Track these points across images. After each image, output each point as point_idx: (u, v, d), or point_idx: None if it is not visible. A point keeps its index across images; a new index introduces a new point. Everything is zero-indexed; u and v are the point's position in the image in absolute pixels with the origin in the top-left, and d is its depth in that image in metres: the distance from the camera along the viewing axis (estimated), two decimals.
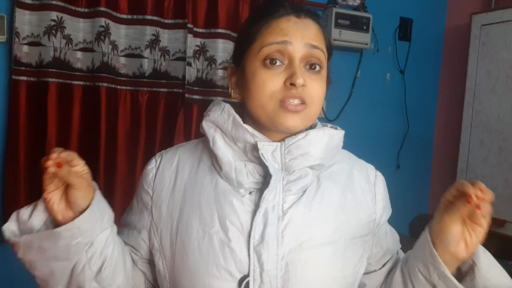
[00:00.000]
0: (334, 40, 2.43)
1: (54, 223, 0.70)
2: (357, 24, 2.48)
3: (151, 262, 0.84)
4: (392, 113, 2.82)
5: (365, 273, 0.85)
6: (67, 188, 0.68)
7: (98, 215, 0.71)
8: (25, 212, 0.70)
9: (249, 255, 0.72)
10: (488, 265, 0.74)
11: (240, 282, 0.72)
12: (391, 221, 0.90)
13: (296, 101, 0.72)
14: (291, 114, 0.72)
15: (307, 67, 0.74)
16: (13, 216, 0.70)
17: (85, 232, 0.68)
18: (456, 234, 0.72)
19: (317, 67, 0.75)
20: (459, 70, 2.74)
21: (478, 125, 2.55)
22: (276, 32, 0.74)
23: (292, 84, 0.71)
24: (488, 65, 2.50)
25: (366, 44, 2.53)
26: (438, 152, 2.99)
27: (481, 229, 0.72)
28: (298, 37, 0.73)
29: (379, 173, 0.87)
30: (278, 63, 0.73)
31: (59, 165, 0.65)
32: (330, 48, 0.81)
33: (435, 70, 2.98)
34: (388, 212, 0.87)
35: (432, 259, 0.74)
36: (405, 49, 2.79)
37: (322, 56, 0.76)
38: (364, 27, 2.50)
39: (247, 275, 0.72)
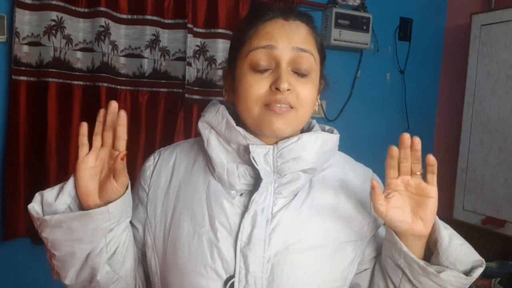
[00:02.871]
0: (334, 40, 2.43)
1: (79, 207, 0.72)
2: (357, 24, 2.48)
3: (142, 259, 0.85)
4: (392, 113, 2.81)
5: (357, 273, 0.84)
6: (103, 171, 0.72)
7: (127, 204, 0.75)
8: (50, 194, 0.72)
9: (235, 257, 0.73)
10: (450, 239, 0.73)
11: (226, 282, 0.73)
12: None
13: (283, 106, 0.72)
14: (277, 117, 0.72)
15: (296, 71, 0.74)
16: (37, 197, 0.72)
17: (113, 217, 0.71)
18: (393, 215, 0.72)
19: (306, 71, 0.74)
20: (459, 70, 2.73)
21: (478, 125, 2.55)
22: (262, 36, 0.74)
23: (277, 89, 0.71)
24: (488, 65, 2.50)
25: (366, 44, 2.53)
26: (438, 152, 2.98)
27: (430, 200, 0.72)
28: (284, 40, 0.73)
29: (376, 177, 0.86)
30: (264, 67, 0.73)
31: (123, 158, 0.70)
32: (323, 51, 0.80)
33: (435, 70, 2.98)
34: None
35: (391, 239, 0.75)
36: (405, 49, 2.79)
37: (311, 59, 0.75)
38: (364, 27, 2.50)
39: (233, 276, 0.73)
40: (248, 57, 0.74)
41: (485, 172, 2.49)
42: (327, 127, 0.84)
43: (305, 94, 0.74)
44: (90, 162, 0.72)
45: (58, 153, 1.88)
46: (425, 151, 0.75)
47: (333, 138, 0.80)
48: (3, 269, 1.89)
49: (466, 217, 2.55)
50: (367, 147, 2.74)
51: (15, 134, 1.81)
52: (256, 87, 0.72)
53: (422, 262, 0.72)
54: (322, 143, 0.77)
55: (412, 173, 0.74)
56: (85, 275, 0.74)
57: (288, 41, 0.73)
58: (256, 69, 0.73)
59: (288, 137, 0.75)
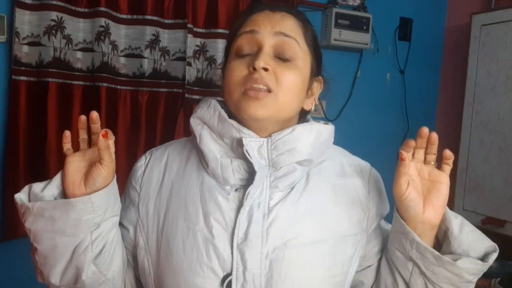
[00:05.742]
0: (334, 40, 2.43)
1: (65, 198, 0.72)
2: (357, 24, 2.48)
3: (133, 262, 0.84)
4: (392, 113, 2.82)
5: (361, 270, 0.83)
6: (91, 165, 0.72)
7: (113, 198, 0.74)
8: (38, 186, 0.73)
9: (232, 253, 0.71)
10: (460, 227, 0.73)
11: (223, 280, 0.71)
12: (391, 220, 0.89)
13: (261, 87, 0.71)
14: (253, 102, 0.71)
15: (279, 56, 0.74)
16: (25, 188, 0.74)
17: (97, 210, 0.70)
18: (411, 195, 0.71)
19: (289, 57, 0.74)
20: (459, 70, 2.73)
21: (478, 125, 2.55)
22: (247, 23, 0.76)
23: (254, 68, 0.71)
24: (488, 65, 2.50)
25: (366, 44, 2.53)
26: (438, 152, 2.98)
27: (442, 185, 0.72)
28: (267, 26, 0.74)
29: (373, 170, 0.86)
30: (247, 52, 0.74)
31: (105, 135, 0.71)
32: (316, 47, 0.79)
33: (435, 70, 2.98)
34: (384, 208, 0.84)
35: (401, 229, 0.73)
36: (405, 49, 2.79)
37: (295, 45, 0.74)
38: (364, 27, 2.50)
39: (230, 273, 0.71)
40: (234, 45, 0.76)
41: (485, 172, 2.49)
42: (322, 122, 0.83)
43: (286, 77, 0.72)
44: (77, 157, 0.74)
45: (58, 153, 1.87)
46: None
47: (328, 129, 0.79)
48: (3, 269, 1.89)
49: (466, 217, 2.49)
50: (367, 147, 2.74)
51: (15, 134, 1.81)
52: (237, 70, 0.73)
53: (436, 252, 0.70)
54: (317, 134, 0.76)
55: (425, 162, 0.74)
56: (70, 276, 0.72)
57: (271, 26, 0.74)
58: (239, 54, 0.74)
59: (281, 129, 0.74)
